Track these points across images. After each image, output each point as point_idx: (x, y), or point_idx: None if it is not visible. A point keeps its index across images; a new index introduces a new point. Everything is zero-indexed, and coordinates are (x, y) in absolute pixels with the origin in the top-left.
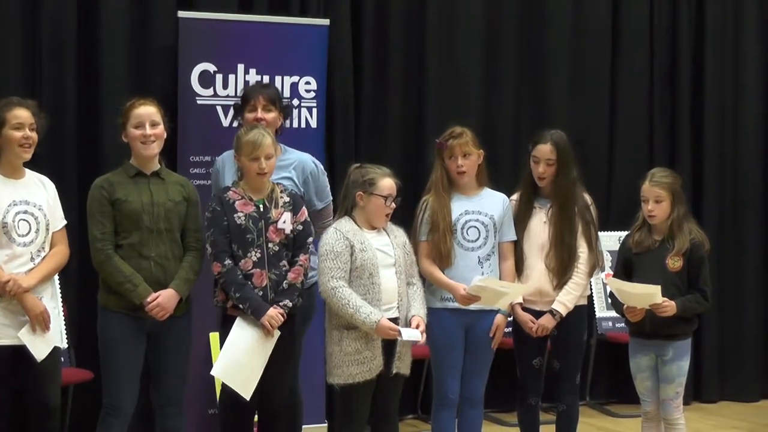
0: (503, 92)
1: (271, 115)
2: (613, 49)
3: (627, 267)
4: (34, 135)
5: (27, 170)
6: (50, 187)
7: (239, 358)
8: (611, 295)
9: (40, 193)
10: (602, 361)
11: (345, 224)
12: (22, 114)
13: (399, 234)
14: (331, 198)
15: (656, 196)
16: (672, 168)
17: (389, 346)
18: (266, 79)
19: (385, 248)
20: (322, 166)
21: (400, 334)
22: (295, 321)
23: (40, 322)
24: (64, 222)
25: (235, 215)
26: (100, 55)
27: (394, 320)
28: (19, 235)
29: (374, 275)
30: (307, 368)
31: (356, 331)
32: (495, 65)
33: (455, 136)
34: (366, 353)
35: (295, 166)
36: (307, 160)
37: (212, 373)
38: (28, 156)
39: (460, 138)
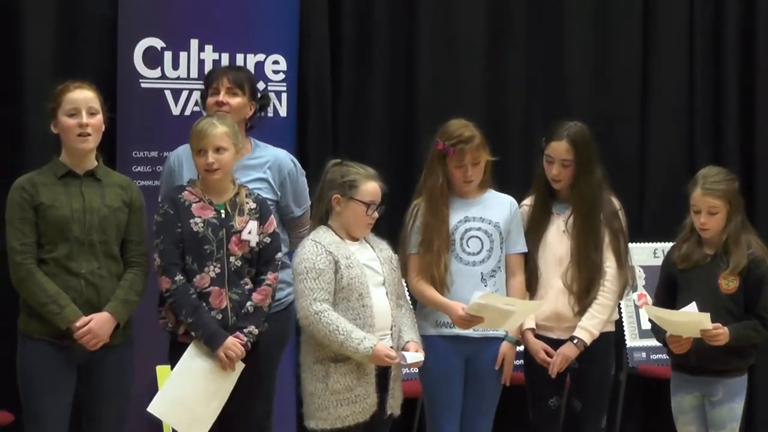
0: (511, 76)
1: (237, 101)
2: (645, 23)
3: (670, 286)
4: None
5: None
6: None
7: (185, 394)
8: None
9: None
10: (634, 401)
11: (325, 235)
12: None
13: (384, 247)
14: (309, 203)
15: (710, 206)
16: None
17: (382, 381)
18: (225, 57)
19: (372, 263)
20: (300, 166)
21: (403, 358)
22: (268, 349)
23: None
24: None
25: (191, 221)
26: (22, 29)
27: None
28: None
29: (364, 296)
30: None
31: (346, 364)
32: (501, 44)
33: (465, 141)
34: (358, 390)
35: (270, 165)
36: (285, 158)
37: (149, 409)
38: None
39: (470, 143)
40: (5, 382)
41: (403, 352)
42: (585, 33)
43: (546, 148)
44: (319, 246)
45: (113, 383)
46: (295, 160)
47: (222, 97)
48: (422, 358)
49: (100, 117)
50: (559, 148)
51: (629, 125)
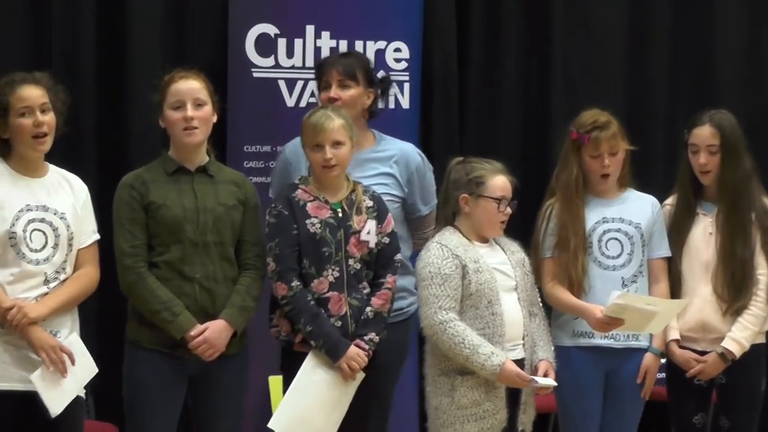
0: (653, 65)
1: (350, 93)
2: None
3: None
4: (48, 118)
5: (51, 166)
6: (80, 190)
7: (307, 408)
8: None
9: (64, 198)
10: None
11: (451, 237)
12: (30, 94)
13: (516, 249)
14: (436, 201)
15: None
16: None
17: (513, 395)
18: (343, 45)
19: (503, 267)
20: (427, 160)
21: (533, 381)
22: (384, 359)
23: (54, 360)
24: (96, 237)
25: (307, 221)
26: (127, 14)
27: (520, 363)
28: (31, 250)
29: (494, 303)
30: (397, 426)
31: (473, 377)
32: (642, 29)
33: (600, 127)
34: (486, 405)
35: (398, 159)
36: (412, 152)
37: (270, 425)
38: (44, 147)
39: (606, 129)
40: (110, 392)
41: (533, 377)
42: (735, 18)
43: (689, 138)
44: (445, 249)
45: (228, 397)
46: (423, 155)
47: (333, 92)
48: (554, 384)
49: (207, 108)
50: (702, 133)
51: None
